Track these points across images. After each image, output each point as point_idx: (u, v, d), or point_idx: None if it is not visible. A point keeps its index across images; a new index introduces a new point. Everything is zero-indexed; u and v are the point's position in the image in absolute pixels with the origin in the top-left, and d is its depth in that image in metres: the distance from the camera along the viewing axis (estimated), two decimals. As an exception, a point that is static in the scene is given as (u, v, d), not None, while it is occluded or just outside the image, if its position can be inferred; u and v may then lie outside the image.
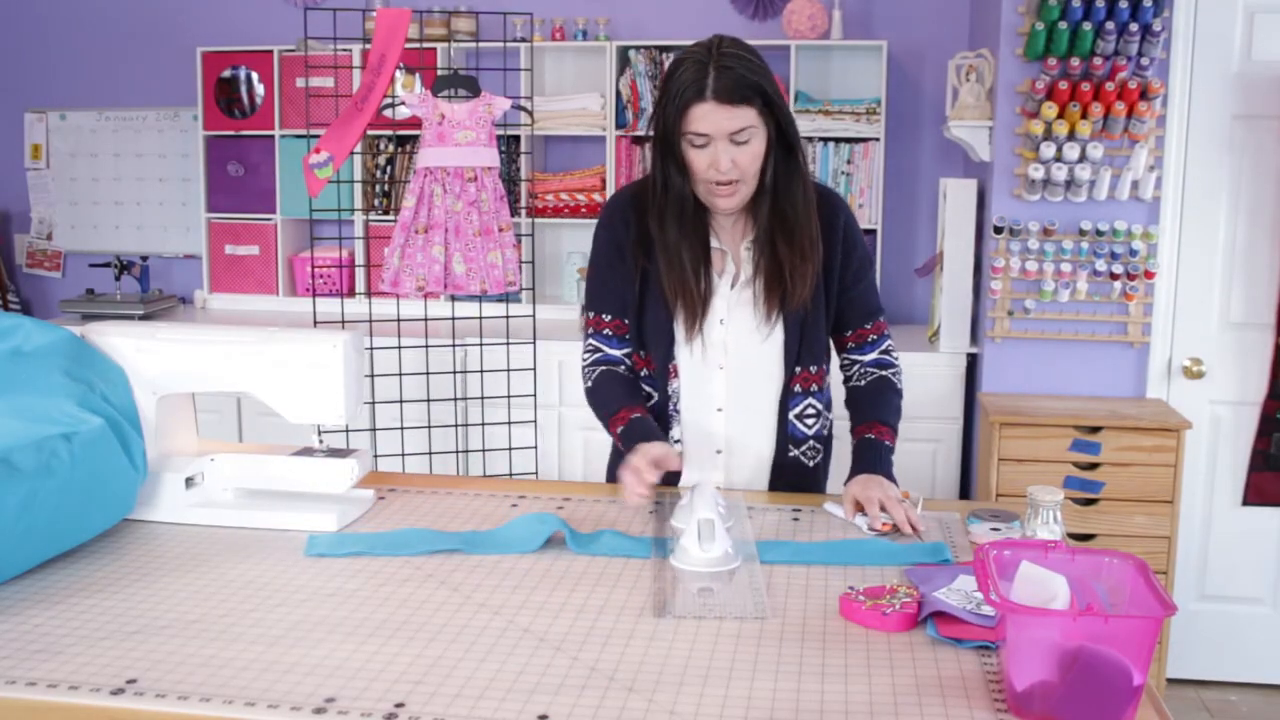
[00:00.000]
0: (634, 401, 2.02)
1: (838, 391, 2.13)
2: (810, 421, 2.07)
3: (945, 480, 3.69)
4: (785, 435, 2.06)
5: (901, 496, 1.86)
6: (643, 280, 2.02)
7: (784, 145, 1.92)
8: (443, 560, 1.70)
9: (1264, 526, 3.46)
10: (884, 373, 2.07)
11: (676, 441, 2.08)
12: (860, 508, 1.87)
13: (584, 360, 2.12)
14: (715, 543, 1.65)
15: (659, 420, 2.08)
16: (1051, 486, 1.57)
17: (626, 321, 2.06)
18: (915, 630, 1.46)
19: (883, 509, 1.83)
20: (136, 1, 4.55)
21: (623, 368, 2.08)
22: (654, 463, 1.83)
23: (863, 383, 2.06)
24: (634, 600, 1.56)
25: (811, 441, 2.08)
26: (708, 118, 1.83)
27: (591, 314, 2.10)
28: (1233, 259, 3.40)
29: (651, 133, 1.93)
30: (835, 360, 2.14)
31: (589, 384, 2.08)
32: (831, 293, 2.03)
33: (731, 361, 2.02)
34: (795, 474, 2.07)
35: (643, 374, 2.09)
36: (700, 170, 1.88)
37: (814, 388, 2.05)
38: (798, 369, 2.02)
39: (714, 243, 2.01)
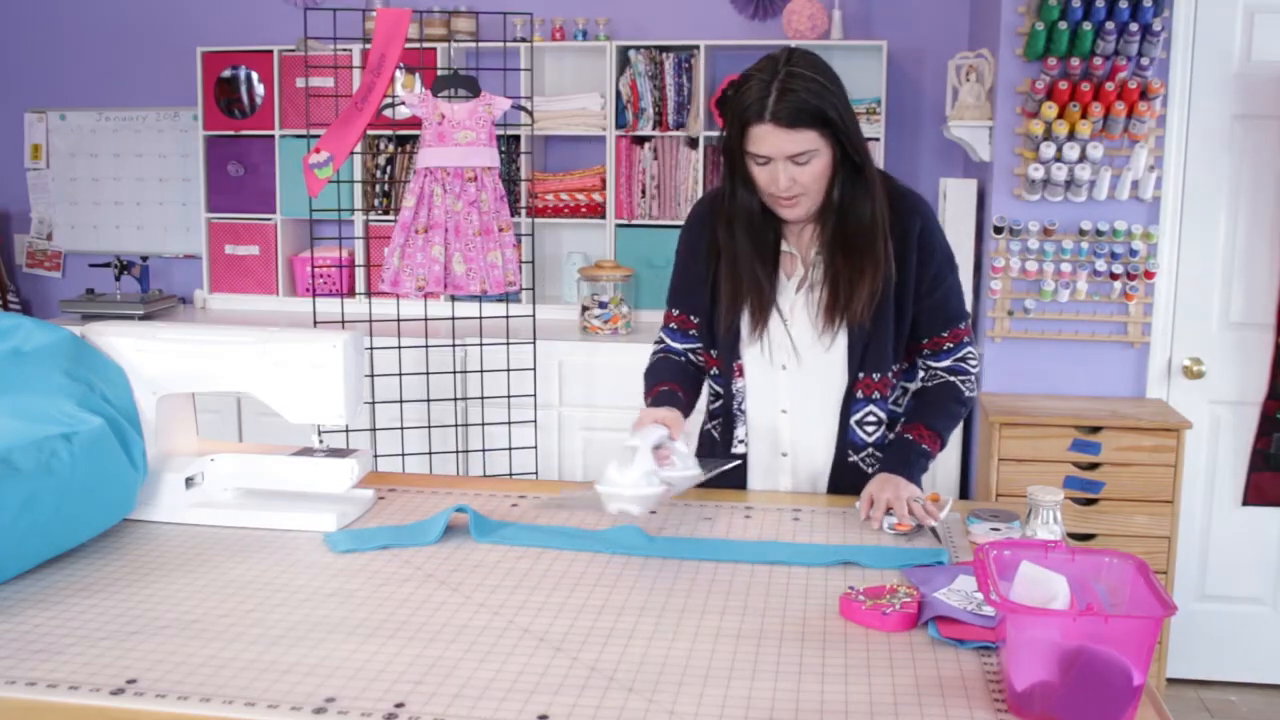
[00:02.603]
0: (672, 379, 2.06)
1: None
2: (870, 429, 2.04)
3: (945, 480, 3.69)
4: (845, 440, 2.05)
5: (919, 496, 1.85)
6: (714, 282, 2.04)
7: (852, 164, 1.89)
8: (443, 560, 1.70)
9: (1264, 526, 3.46)
10: (952, 378, 2.03)
11: (741, 442, 2.09)
12: (878, 505, 1.86)
13: (651, 350, 2.18)
14: (634, 466, 1.70)
15: (725, 421, 2.11)
16: (1051, 486, 1.57)
17: (693, 319, 2.10)
18: (915, 630, 1.46)
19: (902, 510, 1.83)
20: (136, 1, 4.55)
21: (683, 359, 2.13)
22: (638, 424, 1.86)
23: (929, 384, 2.05)
24: (634, 600, 1.56)
25: (871, 449, 2.05)
26: (767, 139, 1.82)
27: (666, 309, 2.16)
28: (1233, 259, 3.40)
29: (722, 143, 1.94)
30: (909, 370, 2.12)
31: (646, 368, 2.14)
32: (906, 301, 1.99)
33: (794, 362, 2.02)
34: (855, 480, 2.04)
35: (712, 372, 2.11)
36: (763, 185, 1.89)
37: (876, 395, 2.02)
38: (860, 374, 2.01)
39: (785, 246, 2.01)
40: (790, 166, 1.84)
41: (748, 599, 1.57)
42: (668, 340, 2.15)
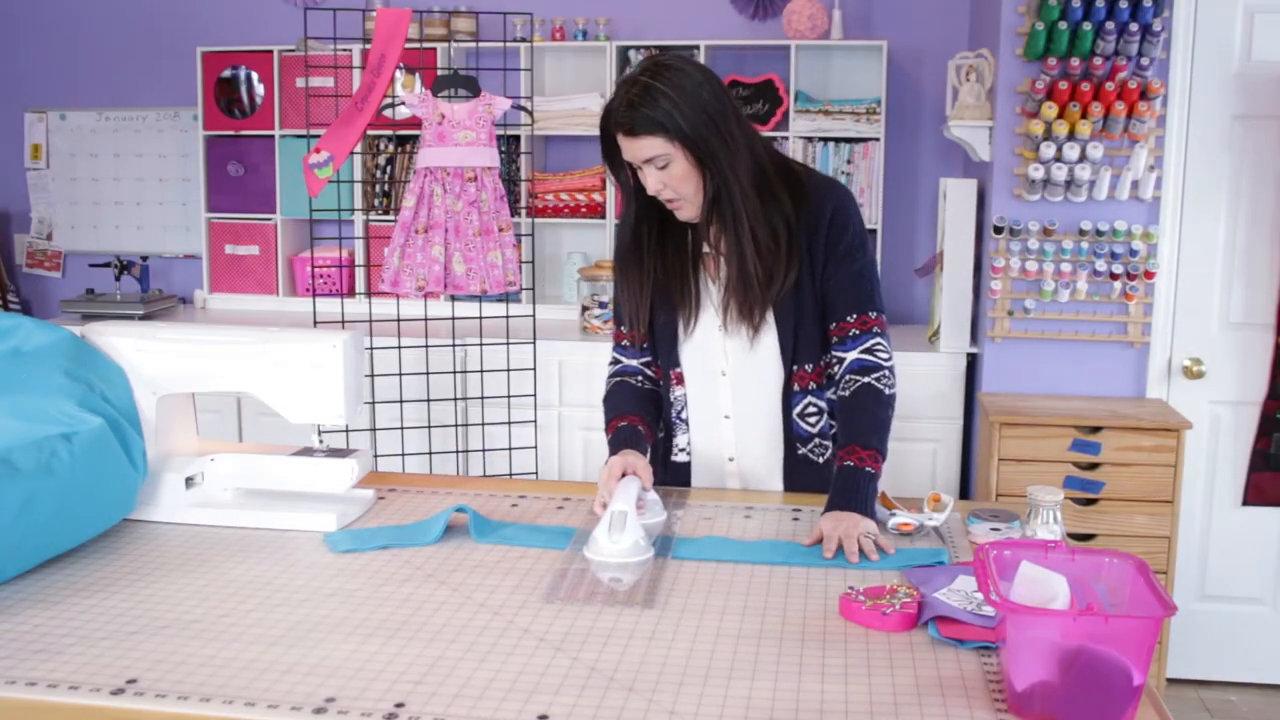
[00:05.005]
0: (629, 410, 2.05)
1: None
2: (813, 419, 2.04)
3: (945, 480, 3.69)
4: (791, 435, 2.05)
5: (871, 531, 1.76)
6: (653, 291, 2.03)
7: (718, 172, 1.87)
8: (443, 560, 1.70)
9: (1264, 526, 3.46)
10: (867, 378, 1.93)
11: (682, 450, 2.10)
12: (829, 541, 1.77)
13: (607, 372, 2.15)
14: (625, 534, 1.68)
15: (666, 430, 2.10)
16: (1051, 486, 1.57)
17: (642, 332, 2.08)
18: (915, 630, 1.46)
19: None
20: (136, 1, 4.55)
21: (639, 377, 2.11)
22: (610, 476, 1.87)
23: (846, 392, 1.94)
24: (634, 600, 1.56)
25: (817, 439, 2.06)
26: (622, 145, 1.87)
27: (615, 327, 2.14)
28: (1233, 259, 3.40)
29: None
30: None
31: (604, 393, 2.12)
32: (816, 285, 1.98)
33: (733, 367, 2.02)
34: (807, 472, 2.05)
35: (661, 382, 2.11)
36: (644, 185, 1.90)
37: (812, 385, 2.02)
38: (795, 367, 2.01)
39: (705, 247, 2.01)
40: (653, 170, 1.86)
41: (748, 599, 1.57)
42: (623, 359, 2.12)
